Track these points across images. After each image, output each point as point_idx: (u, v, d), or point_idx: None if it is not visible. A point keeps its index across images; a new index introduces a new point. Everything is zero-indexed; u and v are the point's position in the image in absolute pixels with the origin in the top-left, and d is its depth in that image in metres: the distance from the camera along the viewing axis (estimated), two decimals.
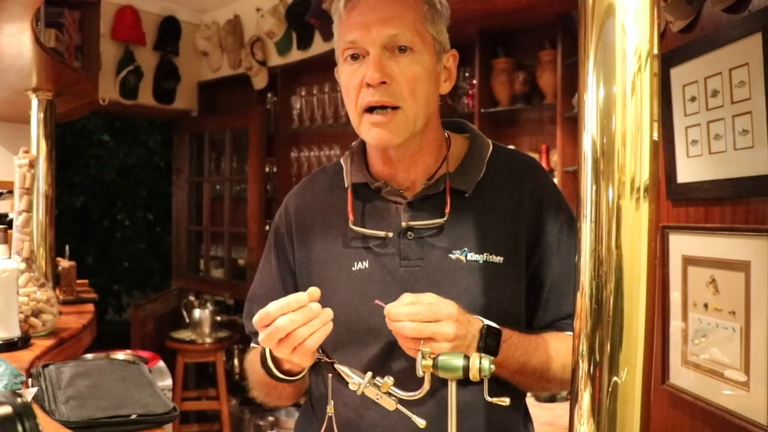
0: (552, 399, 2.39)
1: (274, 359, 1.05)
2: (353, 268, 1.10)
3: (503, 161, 1.15)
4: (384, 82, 1.01)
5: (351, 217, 1.11)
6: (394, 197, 1.12)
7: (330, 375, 0.97)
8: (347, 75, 1.06)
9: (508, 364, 1.03)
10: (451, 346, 0.94)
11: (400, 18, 1.02)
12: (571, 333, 1.09)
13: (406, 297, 0.96)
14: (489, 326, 0.99)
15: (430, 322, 0.93)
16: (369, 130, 1.05)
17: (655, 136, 0.60)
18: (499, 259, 1.07)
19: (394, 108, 1.03)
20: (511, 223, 1.10)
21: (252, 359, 1.16)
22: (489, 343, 0.98)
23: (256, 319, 0.93)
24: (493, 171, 1.13)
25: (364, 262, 1.09)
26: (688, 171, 1.56)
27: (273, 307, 0.92)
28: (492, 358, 0.89)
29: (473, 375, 0.87)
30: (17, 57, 1.94)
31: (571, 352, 1.05)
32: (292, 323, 0.91)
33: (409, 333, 0.93)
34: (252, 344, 1.21)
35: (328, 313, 0.94)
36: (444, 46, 1.09)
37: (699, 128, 1.51)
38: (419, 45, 1.03)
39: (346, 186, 1.15)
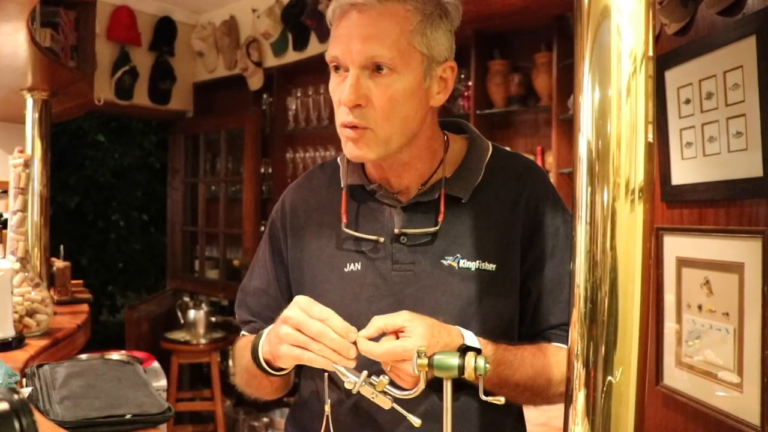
0: None
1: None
2: (345, 269, 1.09)
3: (502, 165, 1.13)
4: (359, 105, 1.00)
5: (344, 219, 1.10)
6: (388, 200, 1.11)
7: (326, 374, 0.97)
8: (332, 86, 1.06)
9: (488, 378, 0.99)
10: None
11: (383, 37, 0.98)
12: (560, 344, 1.08)
13: (376, 321, 0.94)
14: (467, 347, 0.95)
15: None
16: (345, 144, 1.05)
17: (650, 138, 0.61)
18: (492, 266, 1.06)
19: (365, 128, 1.01)
20: (506, 229, 1.08)
21: (241, 346, 1.18)
22: None
23: (316, 327, 0.92)
24: (491, 175, 1.11)
25: (356, 264, 1.09)
26: (682, 173, 1.57)
27: (320, 326, 0.92)
28: (486, 357, 0.88)
29: (468, 374, 0.87)
30: (12, 56, 1.93)
31: (557, 366, 1.04)
32: (320, 351, 0.92)
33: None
34: (242, 332, 1.22)
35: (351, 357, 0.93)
36: (436, 58, 1.03)
37: (693, 130, 1.52)
38: (401, 65, 0.99)
39: (342, 186, 1.14)
